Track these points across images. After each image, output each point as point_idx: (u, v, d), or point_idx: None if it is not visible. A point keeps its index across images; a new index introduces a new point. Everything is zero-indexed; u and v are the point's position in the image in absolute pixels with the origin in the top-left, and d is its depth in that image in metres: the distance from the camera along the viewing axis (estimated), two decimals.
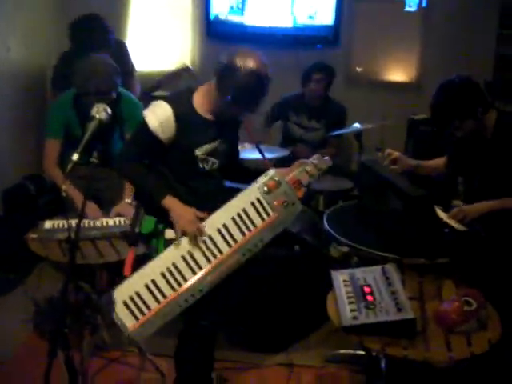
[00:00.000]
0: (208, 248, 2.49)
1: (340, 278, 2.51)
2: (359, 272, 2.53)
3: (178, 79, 4.54)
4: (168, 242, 2.54)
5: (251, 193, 2.56)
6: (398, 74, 5.42)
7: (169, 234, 2.58)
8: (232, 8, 5.41)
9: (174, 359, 2.71)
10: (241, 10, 5.40)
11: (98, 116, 2.33)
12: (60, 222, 3.09)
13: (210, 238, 2.50)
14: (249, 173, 2.83)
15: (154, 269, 2.46)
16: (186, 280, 2.45)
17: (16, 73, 4.68)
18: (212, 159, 2.68)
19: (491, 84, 4.81)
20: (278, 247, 3.25)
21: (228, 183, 2.88)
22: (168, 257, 2.48)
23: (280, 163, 3.32)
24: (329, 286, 2.52)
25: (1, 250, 3.92)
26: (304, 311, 3.33)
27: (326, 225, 3.07)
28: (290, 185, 2.58)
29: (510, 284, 2.72)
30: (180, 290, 2.43)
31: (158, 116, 2.54)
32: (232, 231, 2.52)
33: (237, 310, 3.25)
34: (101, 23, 4.15)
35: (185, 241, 2.49)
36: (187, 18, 5.57)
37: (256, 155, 3.15)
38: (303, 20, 5.37)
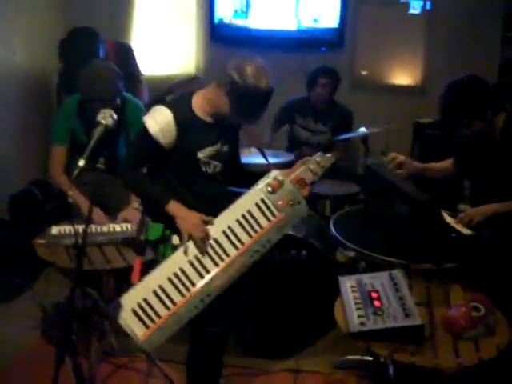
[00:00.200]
0: (215, 251, 2.48)
1: (347, 283, 2.51)
2: (366, 278, 2.53)
3: (189, 86, 4.54)
4: (175, 248, 2.53)
5: (255, 194, 2.54)
6: (402, 77, 5.42)
7: (176, 239, 2.58)
8: (236, 12, 5.42)
9: (186, 366, 2.71)
10: (245, 13, 5.41)
11: (103, 122, 2.33)
12: (67, 228, 3.10)
13: (216, 241, 2.49)
14: (252, 176, 2.82)
15: (161, 274, 2.44)
16: (194, 285, 2.43)
17: (21, 77, 4.70)
18: (214, 162, 2.68)
19: (497, 86, 4.80)
20: (285, 252, 3.27)
21: (232, 188, 2.88)
22: (175, 262, 2.46)
23: (286, 167, 3.31)
24: (336, 291, 2.52)
25: (8, 255, 3.93)
26: (311, 317, 3.32)
27: (332, 230, 3.07)
28: (294, 184, 2.56)
29: None
30: (189, 295, 2.41)
31: (158, 121, 2.54)
32: (238, 233, 2.50)
33: (244, 315, 3.25)
34: (90, 38, 4.13)
35: (191, 245, 2.48)
36: (191, 22, 5.58)
37: (261, 159, 3.14)
38: (307, 23, 5.37)
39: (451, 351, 2.18)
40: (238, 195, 2.59)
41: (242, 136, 2.97)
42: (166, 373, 3.05)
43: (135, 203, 3.24)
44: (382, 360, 2.36)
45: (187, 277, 2.44)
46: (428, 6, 5.25)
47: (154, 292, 2.41)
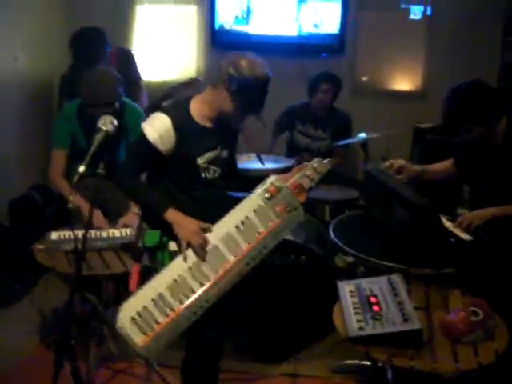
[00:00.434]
0: (213, 258, 2.48)
1: (346, 288, 2.51)
2: (365, 282, 2.53)
3: (188, 90, 4.55)
4: (173, 255, 2.54)
5: (253, 200, 2.54)
6: (403, 82, 5.42)
7: (173, 246, 2.58)
8: (237, 17, 5.43)
9: (181, 371, 2.70)
10: (246, 19, 5.42)
11: (104, 128, 2.35)
12: (66, 233, 3.10)
13: (215, 247, 2.49)
14: (248, 181, 2.82)
15: (160, 282, 2.44)
16: (193, 292, 2.43)
17: (23, 82, 4.71)
18: (213, 167, 2.69)
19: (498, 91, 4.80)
20: (284, 257, 3.27)
21: (231, 193, 2.88)
22: (174, 269, 2.47)
23: (285, 173, 3.31)
24: (335, 296, 2.52)
25: (7, 261, 3.93)
26: (310, 321, 3.32)
27: (331, 235, 3.07)
28: (291, 190, 2.57)
29: None
30: (188, 302, 2.42)
31: (157, 128, 2.53)
32: (236, 240, 2.50)
33: (243, 320, 3.25)
34: (100, 38, 4.16)
35: (190, 252, 2.49)
36: (192, 28, 5.59)
37: (259, 165, 3.15)
38: (308, 28, 5.38)
39: (450, 356, 2.18)
40: (236, 200, 2.59)
41: (240, 141, 2.97)
42: (165, 377, 3.04)
43: (135, 208, 3.23)
44: (380, 364, 2.35)
45: (186, 284, 2.44)
46: (428, 12, 5.26)
47: (153, 300, 2.41)
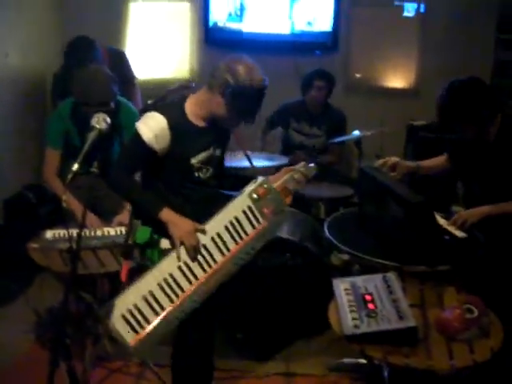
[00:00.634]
0: (203, 257, 2.49)
1: (341, 286, 2.51)
2: (360, 280, 2.53)
3: (182, 92, 4.54)
4: (163, 252, 2.54)
5: (242, 200, 2.54)
6: (396, 79, 5.43)
7: (164, 243, 2.58)
8: (230, 15, 5.43)
9: (171, 369, 2.72)
10: (239, 17, 5.42)
11: (97, 126, 2.34)
12: (61, 232, 3.09)
13: (205, 247, 2.50)
14: (243, 180, 2.82)
15: (151, 280, 2.43)
16: (183, 290, 2.44)
17: (15, 79, 4.69)
18: (206, 167, 2.68)
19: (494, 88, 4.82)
20: (279, 255, 3.27)
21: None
22: (165, 268, 2.46)
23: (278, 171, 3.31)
24: (330, 294, 2.52)
25: (2, 260, 3.92)
26: (305, 319, 3.33)
27: (326, 232, 3.07)
28: (279, 192, 2.59)
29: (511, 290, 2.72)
30: (177, 300, 2.42)
31: (152, 128, 2.51)
32: (225, 240, 2.51)
33: (237, 317, 3.25)
34: (90, 46, 4.14)
35: (182, 251, 2.48)
36: (186, 26, 5.59)
37: (255, 163, 3.14)
38: (301, 26, 5.39)
39: (445, 353, 2.18)
40: (227, 197, 2.60)
41: (233, 140, 2.97)
42: (160, 376, 3.04)
43: (129, 206, 3.23)
44: (376, 362, 2.36)
45: (176, 282, 2.45)
46: (422, 9, 5.28)
47: (144, 298, 2.40)
